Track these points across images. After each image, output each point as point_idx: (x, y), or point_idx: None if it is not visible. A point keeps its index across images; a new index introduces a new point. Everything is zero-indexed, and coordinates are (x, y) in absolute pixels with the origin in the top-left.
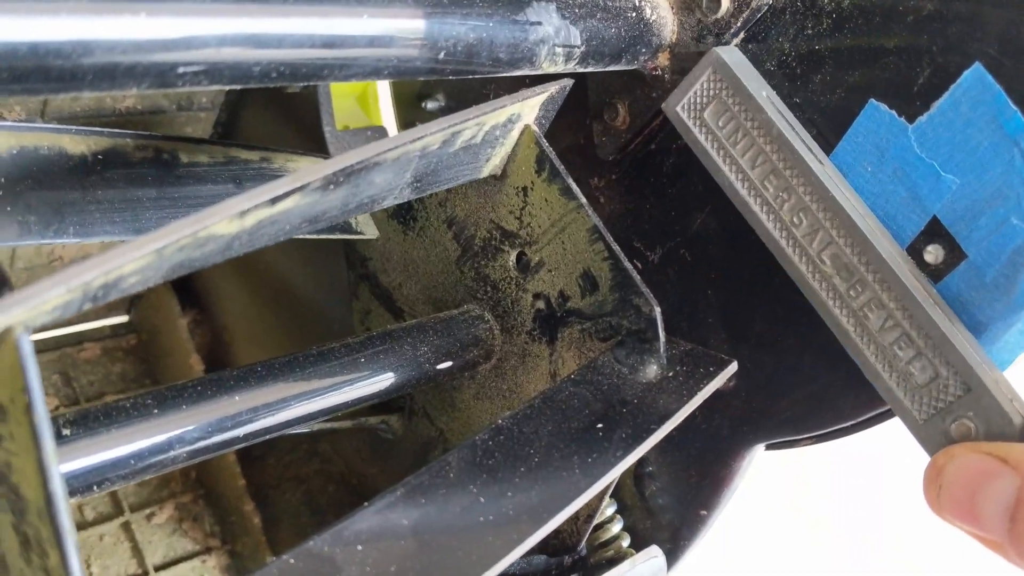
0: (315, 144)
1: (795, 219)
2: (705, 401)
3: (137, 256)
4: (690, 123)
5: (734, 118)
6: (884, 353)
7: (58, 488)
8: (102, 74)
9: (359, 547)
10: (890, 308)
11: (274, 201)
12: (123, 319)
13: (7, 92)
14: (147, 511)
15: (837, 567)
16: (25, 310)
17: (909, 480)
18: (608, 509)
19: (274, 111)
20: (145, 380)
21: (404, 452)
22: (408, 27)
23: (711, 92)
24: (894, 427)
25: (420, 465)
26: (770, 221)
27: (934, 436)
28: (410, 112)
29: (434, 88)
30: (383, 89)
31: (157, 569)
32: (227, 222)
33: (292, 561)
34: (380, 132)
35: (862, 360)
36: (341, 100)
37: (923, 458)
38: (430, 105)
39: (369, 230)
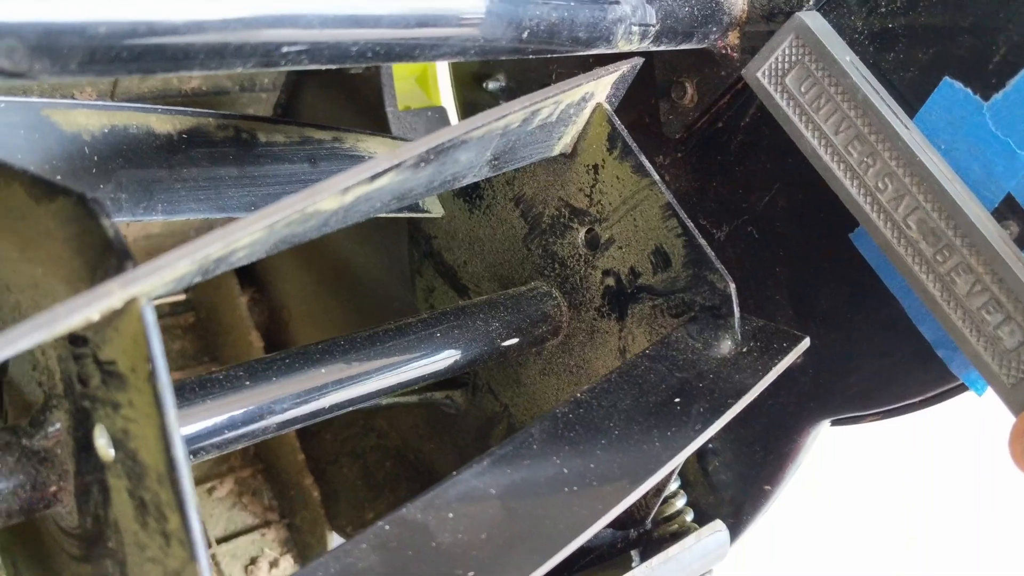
0: (375, 124)
1: (880, 184)
2: None
3: (253, 230)
4: (771, 89)
5: (817, 83)
6: (971, 318)
7: (180, 453)
8: (212, 53)
9: (450, 514)
10: (978, 272)
11: (373, 178)
12: (181, 297)
13: (125, 71)
14: (208, 485)
15: (855, 550)
16: (154, 281)
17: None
18: (672, 484)
19: (334, 92)
20: (204, 358)
21: (465, 427)
22: (496, 8)
23: (793, 57)
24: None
25: (482, 440)
26: (854, 187)
27: (1023, 400)
28: (469, 92)
29: (495, 68)
30: (442, 70)
31: (219, 541)
32: (331, 199)
33: (387, 528)
34: (440, 113)
35: (948, 325)
36: (401, 81)
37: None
38: (491, 85)
39: (435, 208)
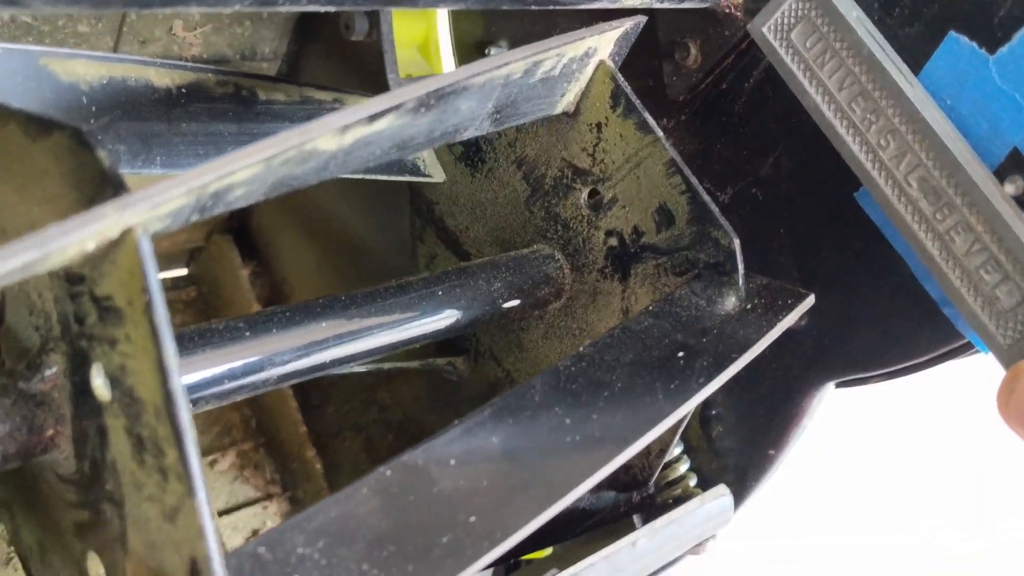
0: (377, 93)
1: (882, 141)
2: (775, 340)
3: (249, 163)
4: (776, 44)
5: (822, 39)
6: (969, 277)
7: (177, 384)
8: None
9: (452, 461)
10: (978, 231)
11: (372, 119)
12: (182, 272)
13: (120, 3)
14: (209, 458)
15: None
16: (148, 208)
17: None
18: (675, 449)
19: (336, 60)
20: None
21: (467, 397)
22: None
23: (800, 12)
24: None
25: None
26: (856, 144)
27: (1018, 360)
28: (471, 60)
29: (497, 35)
30: (444, 38)
31: (220, 514)
32: (328, 137)
33: (388, 473)
34: None
35: (946, 284)
36: (403, 49)
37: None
38: (493, 52)
39: (437, 173)
